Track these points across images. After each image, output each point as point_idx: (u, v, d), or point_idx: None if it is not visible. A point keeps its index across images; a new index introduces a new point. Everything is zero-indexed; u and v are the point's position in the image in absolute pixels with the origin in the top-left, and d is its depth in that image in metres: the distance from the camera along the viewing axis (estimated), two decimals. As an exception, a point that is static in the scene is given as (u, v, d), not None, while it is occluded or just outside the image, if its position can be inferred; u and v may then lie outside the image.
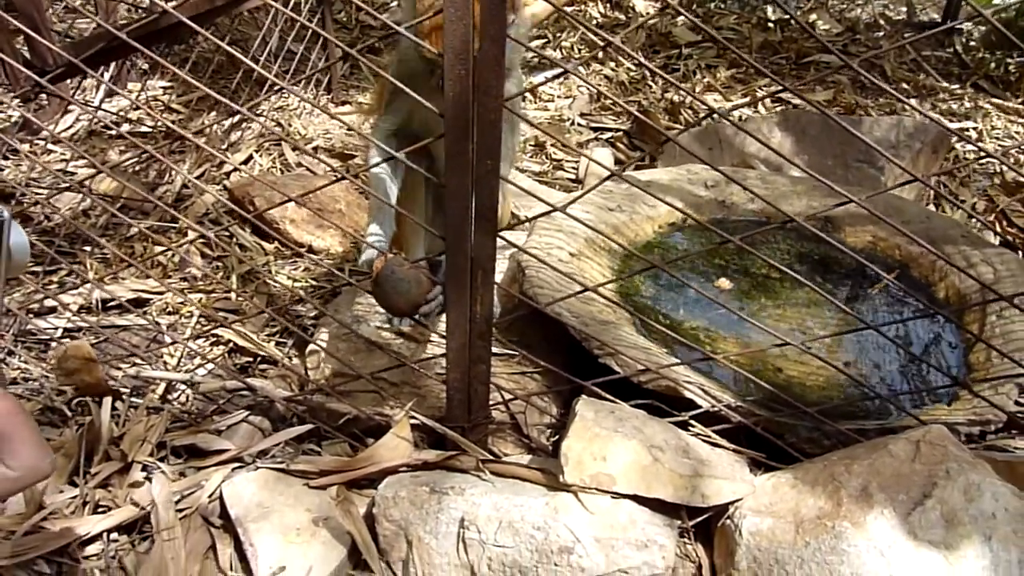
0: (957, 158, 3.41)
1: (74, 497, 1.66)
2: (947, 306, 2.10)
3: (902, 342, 2.01)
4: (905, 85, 4.26)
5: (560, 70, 4.23)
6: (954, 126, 3.78)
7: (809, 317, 2.08)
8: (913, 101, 4.07)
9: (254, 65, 1.52)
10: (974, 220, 2.81)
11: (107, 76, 3.51)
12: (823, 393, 1.82)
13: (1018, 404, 1.71)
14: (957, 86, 4.28)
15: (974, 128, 3.76)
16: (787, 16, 5.30)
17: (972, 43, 4.80)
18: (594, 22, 5.06)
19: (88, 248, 2.55)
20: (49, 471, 0.76)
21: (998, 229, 2.82)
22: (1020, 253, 2.70)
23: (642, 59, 1.16)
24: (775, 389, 1.55)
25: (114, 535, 1.60)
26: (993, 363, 1.82)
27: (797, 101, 3.88)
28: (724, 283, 2.23)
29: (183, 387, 1.98)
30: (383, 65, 4.18)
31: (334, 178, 1.55)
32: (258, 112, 3.55)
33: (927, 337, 2.05)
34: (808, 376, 1.87)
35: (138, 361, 2.06)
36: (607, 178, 1.38)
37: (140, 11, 3.92)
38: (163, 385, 1.97)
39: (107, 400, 1.84)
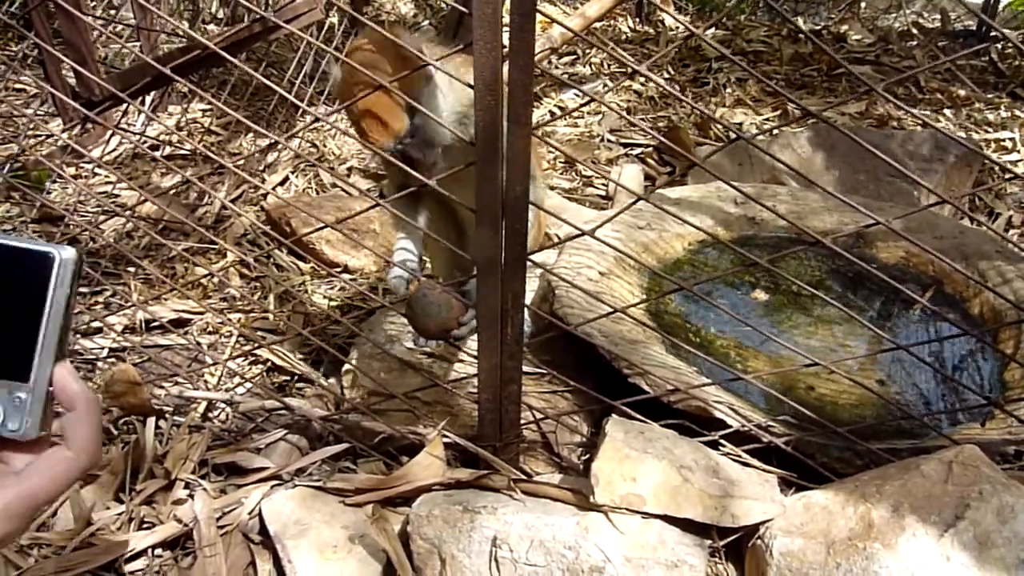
0: (992, 171, 3.37)
1: (120, 514, 1.72)
2: (982, 322, 2.08)
3: (936, 359, 1.99)
4: (939, 95, 4.22)
5: (592, 85, 4.27)
6: (990, 136, 3.74)
7: (842, 334, 2.08)
8: (948, 111, 4.03)
9: (286, 93, 1.57)
10: (1010, 233, 2.78)
11: (150, 100, 3.63)
12: (855, 411, 1.82)
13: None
14: (993, 95, 4.23)
15: (1010, 138, 3.71)
16: (817, 29, 5.28)
17: (1008, 51, 4.74)
18: (623, 37, 5.09)
19: (132, 269, 2.63)
20: (99, 461, 0.81)
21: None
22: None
23: (662, 82, 1.18)
24: (806, 408, 1.55)
25: (158, 551, 1.65)
26: (1029, 381, 1.80)
27: (828, 113, 3.86)
28: (760, 295, 2.23)
29: (223, 406, 2.04)
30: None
31: (370, 204, 1.59)
32: (294, 132, 3.64)
33: (961, 354, 2.03)
34: (840, 394, 1.86)
35: (180, 380, 2.13)
36: (633, 203, 1.41)
37: (180, 38, 4.05)
38: (204, 404, 2.03)
39: (151, 420, 1.91)
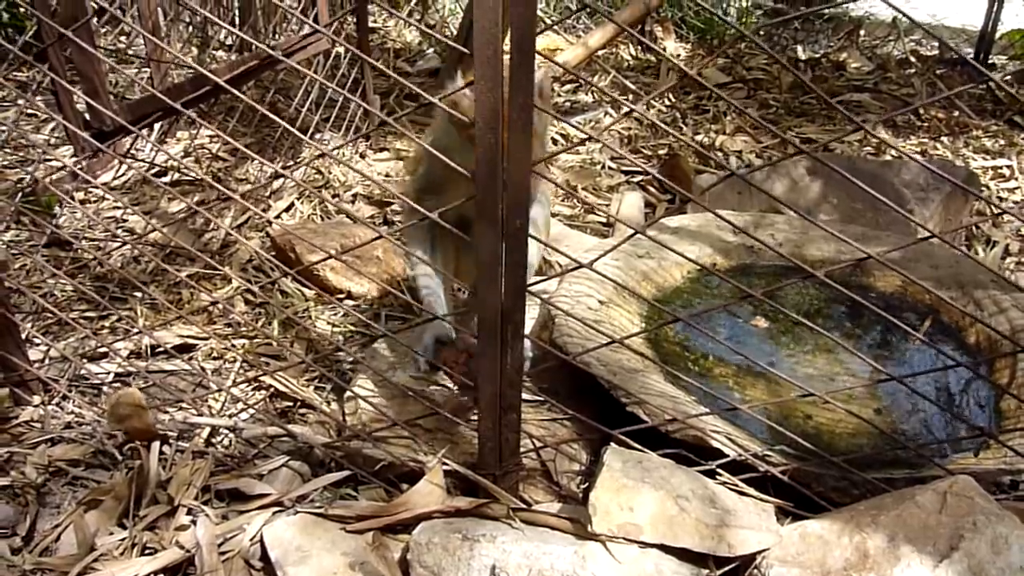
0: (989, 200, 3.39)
1: (123, 539, 1.73)
2: (978, 351, 2.10)
3: (933, 388, 2.01)
4: (938, 121, 4.26)
5: (593, 113, 4.32)
6: (988, 164, 3.77)
7: (838, 363, 2.10)
8: (946, 139, 4.06)
9: (290, 127, 1.61)
10: (1007, 261, 2.80)
11: (159, 127, 3.69)
12: (852, 440, 1.83)
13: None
14: (991, 122, 4.27)
15: (1008, 165, 3.74)
16: (816, 56, 5.34)
17: (1006, 79, 4.79)
18: (625, 64, 5.16)
19: (139, 294, 2.66)
20: None
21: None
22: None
23: (662, 124, 1.22)
24: (803, 437, 1.57)
25: (160, 577, 1.67)
26: (1024, 410, 1.82)
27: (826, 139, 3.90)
28: (761, 322, 2.25)
29: (227, 432, 2.06)
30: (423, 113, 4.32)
31: (375, 235, 1.62)
32: (299, 159, 3.69)
33: (957, 382, 2.05)
34: (837, 423, 1.88)
35: (184, 405, 2.15)
36: (631, 236, 1.44)
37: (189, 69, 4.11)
38: (208, 430, 2.06)
39: (155, 445, 1.93)
